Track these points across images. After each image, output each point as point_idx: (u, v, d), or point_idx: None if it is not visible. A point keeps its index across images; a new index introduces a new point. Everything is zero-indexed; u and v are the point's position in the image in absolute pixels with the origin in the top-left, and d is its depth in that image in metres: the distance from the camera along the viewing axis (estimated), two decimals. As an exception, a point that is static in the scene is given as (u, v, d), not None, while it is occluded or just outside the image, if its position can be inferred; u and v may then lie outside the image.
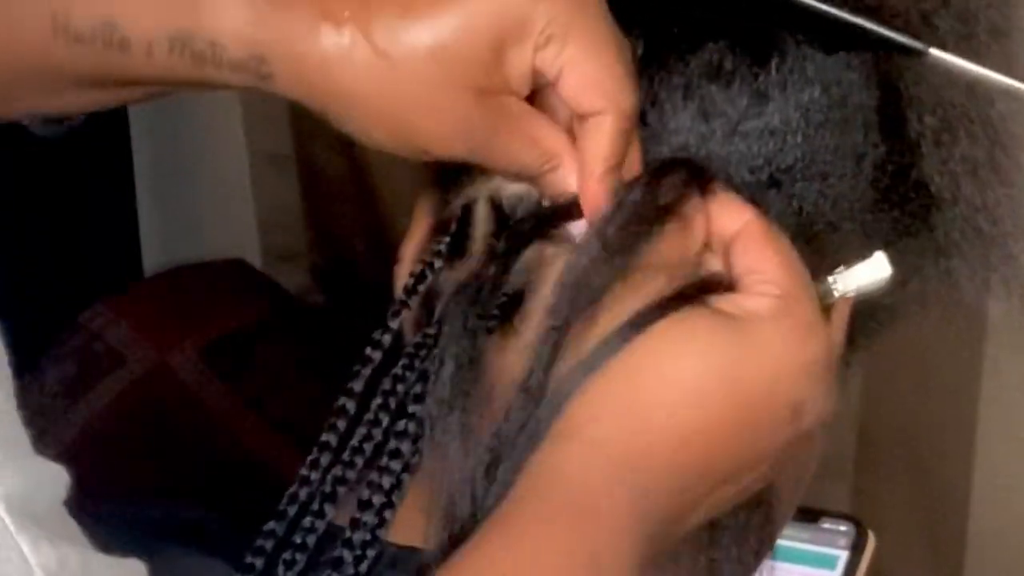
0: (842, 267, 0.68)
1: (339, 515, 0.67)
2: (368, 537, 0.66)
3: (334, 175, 1.41)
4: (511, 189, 0.68)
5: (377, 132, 0.65)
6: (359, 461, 0.67)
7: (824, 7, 0.67)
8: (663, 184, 0.66)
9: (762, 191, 0.68)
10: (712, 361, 0.63)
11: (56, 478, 0.55)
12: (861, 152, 0.70)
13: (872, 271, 0.68)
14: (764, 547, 0.70)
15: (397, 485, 0.66)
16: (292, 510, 0.67)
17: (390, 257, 0.72)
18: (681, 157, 0.68)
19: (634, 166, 0.67)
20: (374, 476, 0.66)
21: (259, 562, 0.66)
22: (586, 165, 0.65)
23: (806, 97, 0.69)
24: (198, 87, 0.67)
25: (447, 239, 0.69)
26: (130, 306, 1.29)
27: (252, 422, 1.23)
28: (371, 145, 0.65)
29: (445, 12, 0.63)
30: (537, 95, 0.66)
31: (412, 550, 0.66)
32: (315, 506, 0.67)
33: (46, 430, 1.20)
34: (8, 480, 0.52)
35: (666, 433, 0.62)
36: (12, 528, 0.51)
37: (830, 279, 0.68)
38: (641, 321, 0.63)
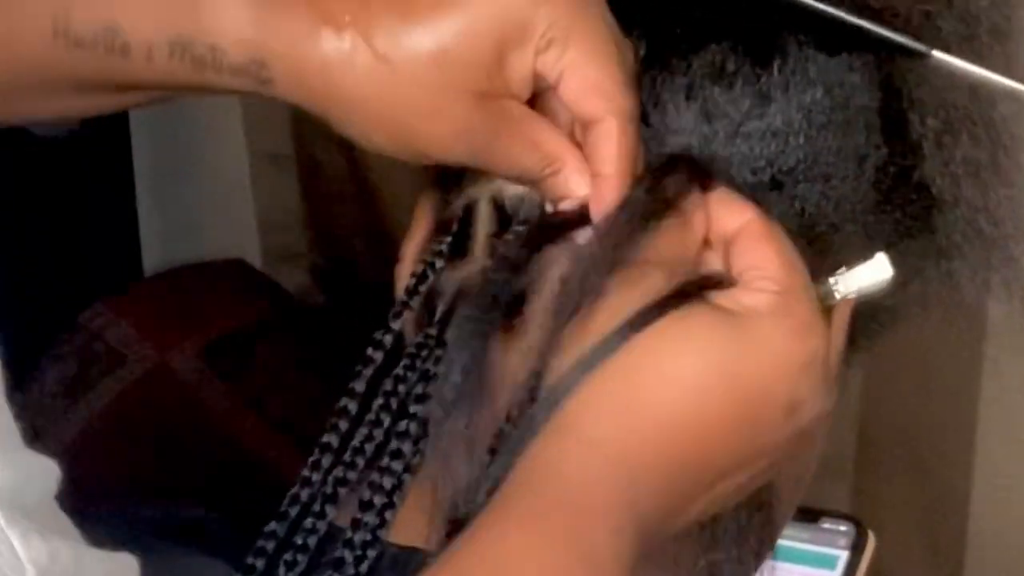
0: (843, 268, 0.68)
1: (340, 516, 0.67)
2: (369, 537, 0.65)
3: (334, 175, 1.41)
4: (513, 189, 0.68)
5: (378, 136, 0.65)
6: (360, 462, 0.67)
7: (827, 8, 0.67)
8: (664, 181, 0.66)
9: (764, 192, 0.68)
10: (711, 357, 0.63)
11: (47, 472, 0.55)
12: (863, 154, 0.70)
13: (873, 272, 0.68)
14: (764, 547, 0.70)
15: (398, 486, 0.66)
16: (293, 511, 0.67)
17: (390, 257, 0.72)
18: (683, 155, 0.68)
19: (636, 166, 0.67)
20: (375, 477, 0.66)
21: (260, 563, 0.66)
22: (595, 170, 0.65)
23: (808, 98, 0.69)
24: (198, 91, 0.67)
25: (449, 239, 0.69)
26: (130, 306, 1.29)
27: (252, 422, 1.23)
28: (372, 149, 0.65)
29: (446, 16, 0.63)
30: (538, 99, 0.66)
31: (413, 551, 0.66)
32: (316, 507, 0.67)
33: (46, 430, 1.20)
34: None
35: (663, 429, 0.62)
36: (2, 522, 0.51)
37: (831, 280, 0.68)
38: (640, 321, 0.63)
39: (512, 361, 0.66)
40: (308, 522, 0.67)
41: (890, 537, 1.07)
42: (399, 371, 0.68)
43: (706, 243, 0.66)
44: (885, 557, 1.01)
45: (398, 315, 0.69)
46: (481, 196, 0.69)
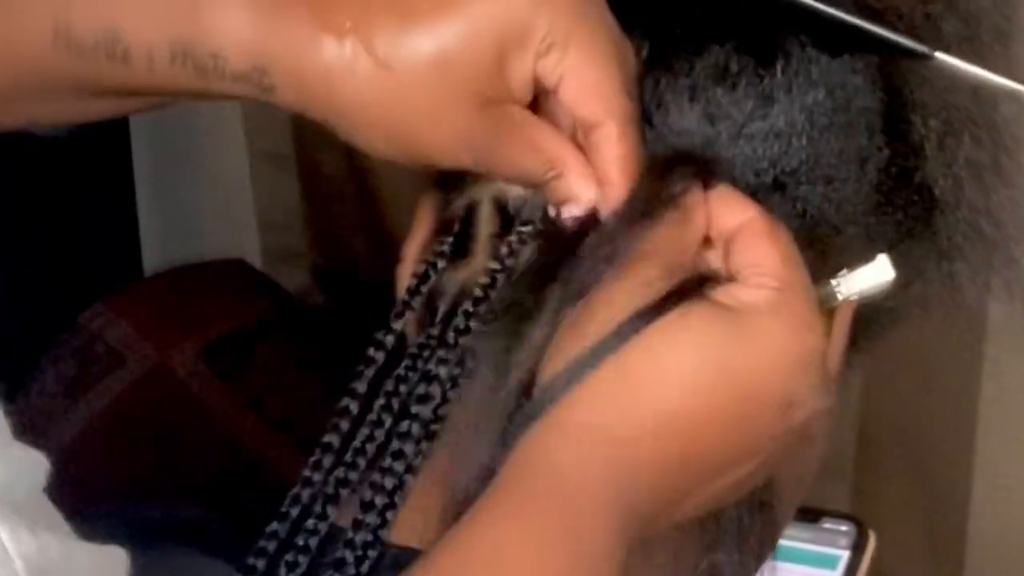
0: (845, 270, 0.68)
1: (341, 516, 0.67)
2: (370, 538, 0.65)
3: (334, 175, 1.41)
4: (515, 189, 0.68)
5: (380, 142, 0.65)
6: (362, 462, 0.67)
7: (829, 10, 0.67)
8: (667, 177, 0.66)
9: (766, 194, 0.68)
10: (708, 353, 0.63)
11: (35, 465, 0.55)
12: (865, 155, 0.70)
13: (875, 275, 0.68)
14: (765, 548, 0.70)
15: (400, 486, 0.66)
16: (294, 511, 0.67)
17: (390, 257, 0.72)
18: (686, 152, 0.67)
19: (637, 168, 0.67)
20: (376, 477, 0.66)
21: (261, 563, 0.66)
22: (597, 173, 0.65)
23: (811, 100, 0.69)
24: (199, 97, 0.67)
25: (451, 239, 0.69)
26: (130, 306, 1.29)
27: (252, 422, 1.23)
28: (374, 155, 0.65)
29: (446, 21, 0.63)
30: (539, 101, 0.66)
31: (414, 551, 0.66)
32: (318, 507, 0.67)
33: (46, 430, 1.20)
34: None
35: (659, 423, 0.62)
36: None
37: (833, 282, 0.68)
38: (639, 321, 0.63)
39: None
40: (309, 523, 0.67)
41: (890, 537, 1.07)
42: (401, 371, 0.68)
43: (707, 241, 0.66)
44: (885, 557, 1.01)
45: (400, 315, 0.69)
46: (483, 196, 0.69)
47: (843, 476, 1.25)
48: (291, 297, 1.40)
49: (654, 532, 0.63)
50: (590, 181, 0.65)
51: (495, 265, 0.67)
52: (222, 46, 0.64)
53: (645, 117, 0.68)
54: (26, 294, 1.32)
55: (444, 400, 0.67)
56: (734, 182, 0.67)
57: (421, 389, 0.67)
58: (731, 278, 0.65)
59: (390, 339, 0.68)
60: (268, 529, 0.67)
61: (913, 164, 0.71)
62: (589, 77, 0.64)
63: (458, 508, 0.63)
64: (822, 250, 0.69)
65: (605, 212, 0.65)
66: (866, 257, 0.68)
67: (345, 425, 0.67)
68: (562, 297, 0.65)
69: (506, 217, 0.69)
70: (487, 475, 0.63)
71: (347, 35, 0.63)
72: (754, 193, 0.67)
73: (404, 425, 0.67)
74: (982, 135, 0.71)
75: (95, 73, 0.66)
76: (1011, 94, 0.69)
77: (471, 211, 0.70)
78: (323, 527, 0.67)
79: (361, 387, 0.68)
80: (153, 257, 1.50)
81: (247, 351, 1.28)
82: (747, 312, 0.63)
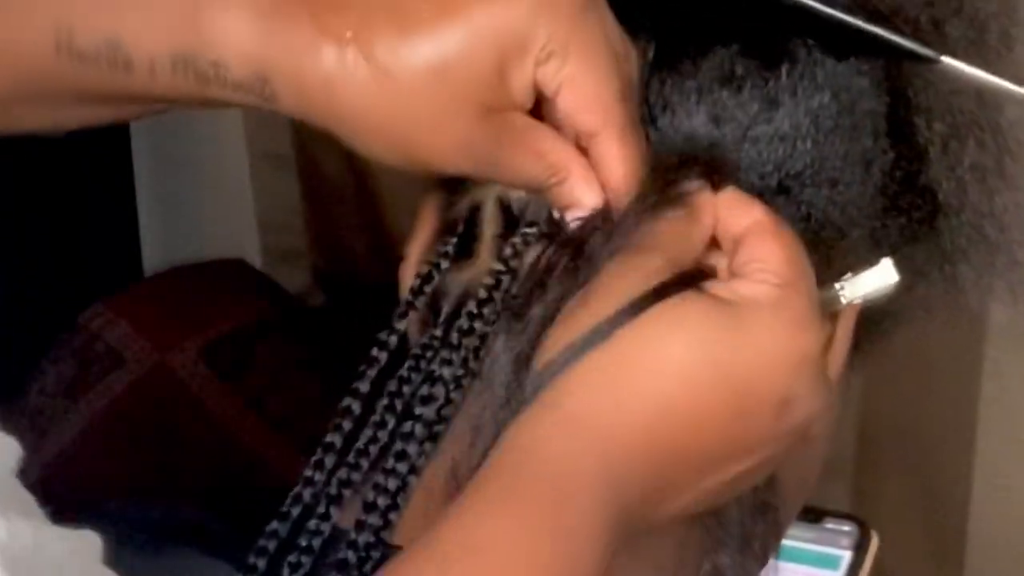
0: (849, 274, 0.68)
1: (343, 517, 0.67)
2: (373, 539, 0.65)
3: (334, 175, 1.41)
4: (519, 191, 0.68)
5: (380, 149, 0.65)
6: (364, 463, 0.67)
7: (835, 13, 0.67)
8: (675, 177, 0.66)
9: (771, 197, 0.68)
10: (703, 346, 0.62)
11: (7, 450, 0.55)
12: (870, 158, 0.70)
13: (879, 279, 0.67)
14: (767, 550, 0.70)
15: (402, 487, 0.66)
16: (296, 511, 0.67)
17: (390, 257, 0.72)
18: (695, 153, 0.67)
19: (641, 172, 0.67)
20: (379, 478, 0.66)
21: (262, 562, 0.66)
22: (600, 180, 0.65)
23: (816, 103, 0.69)
24: (201, 105, 0.67)
25: (454, 240, 0.70)
26: (130, 306, 1.28)
27: (252, 422, 1.23)
28: (376, 161, 0.65)
29: (447, 29, 0.63)
30: (541, 106, 0.66)
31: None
32: (320, 508, 0.67)
33: (46, 430, 1.19)
34: None
35: (650, 414, 0.62)
36: None
37: (837, 286, 0.68)
38: (634, 308, 0.62)
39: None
40: (312, 523, 0.67)
41: (889, 537, 1.06)
42: (404, 372, 0.68)
43: (714, 243, 0.66)
44: (884, 557, 1.01)
45: (403, 315, 0.69)
46: (487, 197, 0.69)
47: (843, 476, 1.25)
48: (291, 297, 1.40)
49: (645, 526, 0.63)
50: (593, 186, 0.65)
51: (499, 266, 0.67)
52: (223, 55, 0.64)
53: (650, 118, 0.68)
54: (26, 294, 1.32)
55: (447, 401, 0.67)
56: (739, 184, 0.67)
57: (424, 390, 0.67)
58: (733, 276, 0.65)
59: (393, 339, 0.68)
60: (269, 528, 0.67)
61: (917, 167, 0.71)
62: (588, 86, 0.64)
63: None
64: (826, 253, 0.69)
65: (609, 215, 0.65)
66: (870, 260, 0.67)
67: (348, 425, 0.67)
68: (563, 291, 0.65)
69: (510, 218, 0.69)
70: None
71: (348, 43, 0.63)
72: (759, 196, 0.67)
73: (407, 426, 0.67)
74: (986, 139, 0.71)
75: (96, 80, 0.66)
76: (1016, 98, 0.69)
77: (475, 212, 0.70)
78: (326, 528, 0.66)
79: (364, 387, 0.68)
80: (153, 257, 1.50)
81: (247, 351, 1.28)
82: (745, 306, 0.63)
